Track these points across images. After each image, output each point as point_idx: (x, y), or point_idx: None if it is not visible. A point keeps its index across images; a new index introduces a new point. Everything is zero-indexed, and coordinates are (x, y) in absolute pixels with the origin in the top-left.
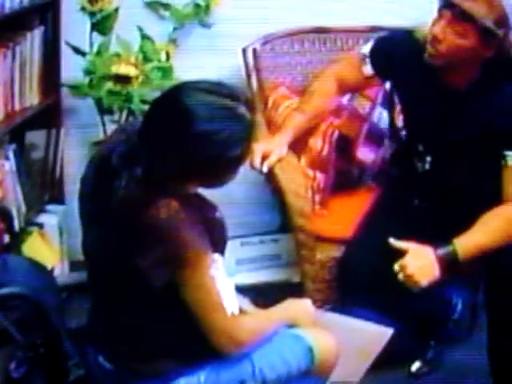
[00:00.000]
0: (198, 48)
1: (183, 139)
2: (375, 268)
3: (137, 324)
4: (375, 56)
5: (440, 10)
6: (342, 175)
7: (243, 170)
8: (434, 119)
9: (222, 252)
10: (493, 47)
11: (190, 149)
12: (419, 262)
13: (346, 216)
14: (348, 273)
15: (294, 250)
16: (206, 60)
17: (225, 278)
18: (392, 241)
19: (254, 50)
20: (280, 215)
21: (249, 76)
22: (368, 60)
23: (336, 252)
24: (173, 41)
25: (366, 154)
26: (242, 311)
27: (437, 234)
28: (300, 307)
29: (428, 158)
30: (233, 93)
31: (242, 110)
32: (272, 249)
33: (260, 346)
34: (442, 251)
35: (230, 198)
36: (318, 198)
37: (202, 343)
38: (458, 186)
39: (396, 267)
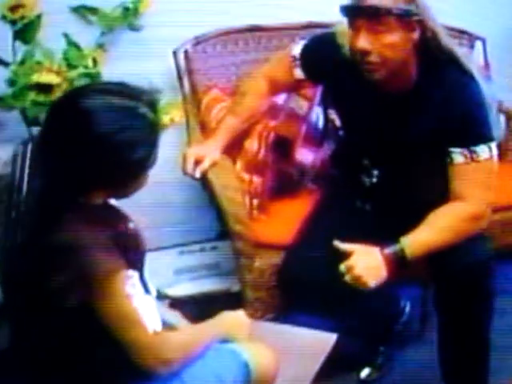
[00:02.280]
0: (128, 53)
1: (81, 143)
2: (318, 272)
3: (58, 347)
4: (305, 59)
5: (351, 23)
6: (281, 178)
7: (180, 174)
8: (377, 131)
9: (140, 265)
10: (415, 26)
11: (90, 153)
12: (366, 262)
13: (286, 220)
14: (289, 279)
15: (232, 256)
16: (137, 64)
17: (142, 294)
18: (337, 243)
19: (186, 52)
20: (219, 222)
21: (181, 79)
22: (298, 63)
23: (276, 258)
24: (100, 46)
25: (305, 155)
26: (171, 327)
27: (383, 236)
28: (234, 320)
29: (375, 172)
30: (134, 93)
31: (144, 109)
32: (212, 257)
33: (191, 364)
34: (388, 250)
35: (168, 204)
36: (255, 202)
37: (128, 364)
38: (407, 190)
39: (342, 268)
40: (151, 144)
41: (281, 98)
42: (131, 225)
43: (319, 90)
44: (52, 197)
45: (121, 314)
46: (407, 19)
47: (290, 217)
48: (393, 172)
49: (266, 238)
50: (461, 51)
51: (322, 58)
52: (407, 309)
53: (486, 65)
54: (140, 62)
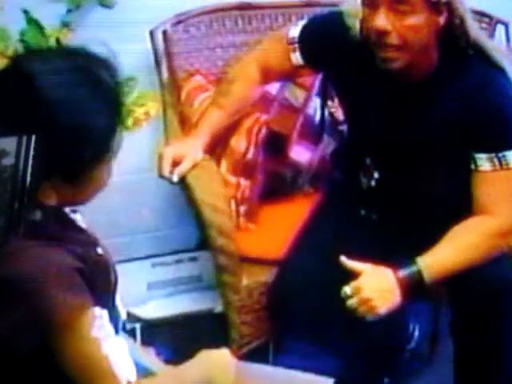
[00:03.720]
0: (98, 32)
1: (26, 113)
2: (316, 293)
3: None
4: (305, 42)
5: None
6: (273, 180)
7: (153, 175)
8: (385, 126)
9: (109, 301)
10: (443, 10)
11: (35, 125)
12: (377, 285)
13: (278, 230)
14: (282, 300)
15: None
16: (114, 46)
17: (113, 336)
18: (344, 259)
19: (164, 32)
20: (199, 229)
21: (158, 64)
22: (297, 46)
23: (266, 276)
24: (66, 25)
25: (300, 153)
26: (146, 373)
27: (392, 252)
28: (216, 361)
29: (375, 174)
30: (88, 53)
31: (102, 73)
32: (191, 269)
33: None
34: (404, 272)
35: (141, 208)
36: (242, 209)
37: None
38: (415, 197)
39: (347, 290)
40: (111, 116)
41: (274, 87)
42: (99, 250)
43: (318, 79)
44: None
45: (88, 363)
46: (435, 0)
47: (282, 226)
48: (396, 176)
49: (254, 252)
50: (491, 43)
51: (326, 41)
52: (416, 333)
53: (509, 52)
54: (112, 44)
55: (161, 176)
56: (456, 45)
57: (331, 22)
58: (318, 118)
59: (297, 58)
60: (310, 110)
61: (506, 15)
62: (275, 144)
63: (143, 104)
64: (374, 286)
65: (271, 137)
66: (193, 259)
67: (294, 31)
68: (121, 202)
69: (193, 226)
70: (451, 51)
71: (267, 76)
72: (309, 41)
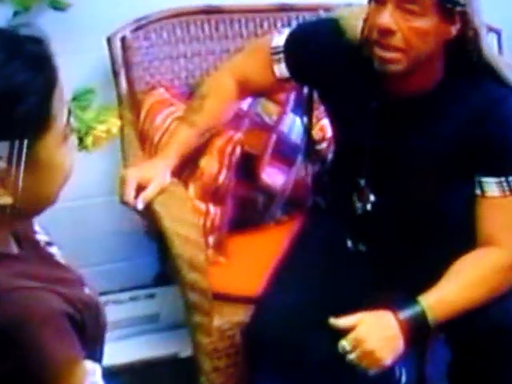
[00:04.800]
0: (50, 39)
1: None
2: (298, 336)
3: None
4: (292, 52)
5: None
6: (243, 206)
7: (103, 199)
8: (381, 144)
9: (99, 351)
10: (457, 20)
11: None
12: (379, 333)
13: (250, 263)
14: (259, 344)
15: (178, 306)
16: (61, 55)
17: None
18: (333, 321)
19: (123, 39)
20: (157, 261)
21: (116, 75)
22: (282, 56)
23: (240, 315)
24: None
25: (273, 175)
26: None
27: (386, 289)
28: None
29: (371, 197)
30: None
31: (21, 38)
32: (147, 308)
33: None
34: (405, 314)
35: (89, 236)
36: (211, 239)
37: None
38: (412, 226)
39: (346, 344)
40: (37, 74)
41: (245, 102)
42: (86, 289)
43: (293, 92)
44: None
45: None
46: (450, 7)
47: (255, 258)
48: (395, 199)
49: (226, 288)
50: (504, 61)
51: (317, 50)
52: (404, 378)
53: None
54: (65, 53)
55: (123, 202)
56: (465, 59)
57: (322, 29)
58: (292, 136)
59: (281, 69)
60: (284, 128)
61: (497, 23)
62: (245, 166)
63: (104, 120)
64: (376, 336)
65: (241, 157)
66: (150, 296)
67: (279, 39)
68: (66, 231)
69: (149, 258)
70: (458, 65)
71: (245, 90)
72: (297, 50)
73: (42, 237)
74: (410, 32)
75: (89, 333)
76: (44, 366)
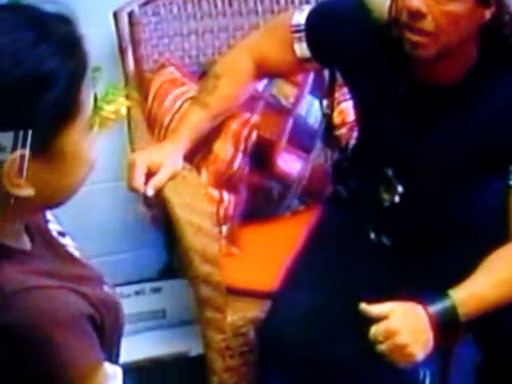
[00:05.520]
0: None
1: None
2: (318, 334)
3: None
4: (314, 30)
5: None
6: (257, 195)
7: (108, 184)
8: (410, 132)
9: (116, 353)
10: (491, 3)
11: None
12: (412, 327)
13: (265, 256)
14: (275, 342)
15: (186, 301)
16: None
17: None
18: (365, 306)
19: (130, 15)
20: (164, 253)
21: (123, 52)
22: (304, 35)
23: (255, 311)
24: None
25: (289, 162)
26: None
27: (410, 284)
28: None
29: (399, 188)
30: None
31: (47, 18)
32: (153, 303)
33: None
34: (434, 308)
35: (90, 226)
36: (225, 230)
37: None
38: (442, 220)
39: (377, 334)
40: (66, 61)
41: (260, 83)
42: (106, 288)
43: (311, 73)
44: None
45: None
46: None
47: (270, 250)
48: (424, 190)
49: (239, 282)
50: None
51: (341, 28)
52: (427, 381)
53: None
54: None
55: (131, 189)
56: (499, 45)
57: (346, 7)
58: (311, 120)
59: (302, 49)
60: (302, 111)
61: None
62: (259, 152)
63: (112, 100)
64: (409, 329)
65: (255, 143)
66: (156, 290)
67: (300, 16)
68: (66, 219)
69: (155, 249)
70: (492, 52)
71: (263, 71)
72: (319, 28)
73: (54, 226)
74: (441, 16)
75: (107, 333)
76: (64, 370)
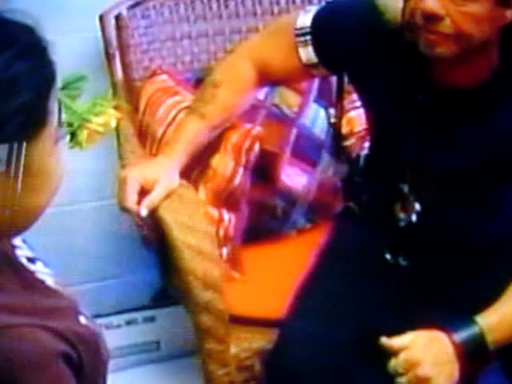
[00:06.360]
0: (36, 18)
1: None
2: (329, 366)
3: None
4: (321, 33)
5: None
6: (260, 213)
7: (95, 203)
8: (428, 143)
9: None
10: None
11: None
12: (435, 358)
13: (270, 280)
14: (284, 375)
15: (183, 331)
16: (51, 36)
17: None
18: (385, 340)
19: (118, 18)
20: (158, 277)
21: (110, 59)
22: (309, 38)
23: (260, 342)
24: None
25: (294, 177)
26: None
27: (428, 309)
28: None
29: (417, 207)
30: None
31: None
32: (146, 333)
33: None
34: (461, 336)
35: (77, 248)
36: (225, 252)
37: None
38: (464, 239)
39: (398, 365)
40: (33, 69)
41: (261, 91)
42: (82, 318)
43: (316, 81)
44: None
45: None
46: None
47: (275, 274)
48: (444, 208)
49: (242, 310)
50: None
51: (350, 31)
52: None
53: None
54: (51, 34)
55: (123, 208)
56: None
57: (356, 8)
58: (316, 130)
59: (308, 54)
60: (306, 121)
61: None
62: (261, 165)
63: (100, 112)
64: (432, 360)
65: (258, 156)
66: (148, 319)
67: (304, 19)
68: (49, 242)
69: (148, 274)
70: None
71: (265, 78)
72: (327, 31)
73: (23, 252)
74: (461, 18)
75: (87, 371)
76: None
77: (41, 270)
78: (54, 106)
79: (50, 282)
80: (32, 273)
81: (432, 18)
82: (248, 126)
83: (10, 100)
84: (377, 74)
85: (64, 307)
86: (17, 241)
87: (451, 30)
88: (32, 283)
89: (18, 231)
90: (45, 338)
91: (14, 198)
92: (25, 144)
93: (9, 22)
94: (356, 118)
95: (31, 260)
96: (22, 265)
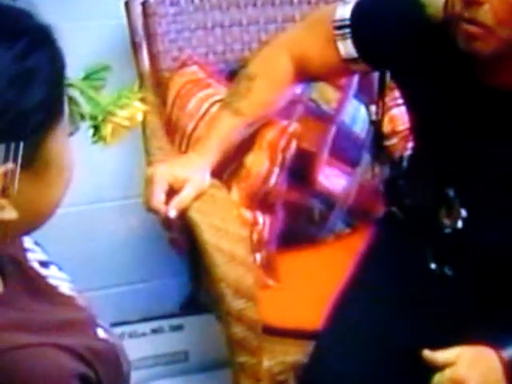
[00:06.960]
0: (57, 4)
1: None
2: (369, 380)
3: None
4: (361, 26)
5: None
6: (296, 216)
7: (119, 202)
8: (477, 144)
9: None
10: None
11: None
12: (483, 376)
13: (306, 288)
14: None
15: (213, 341)
16: (69, 23)
17: None
18: (428, 353)
19: (144, 5)
20: (187, 284)
21: (136, 48)
22: (348, 32)
23: (294, 355)
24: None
25: (333, 178)
26: None
27: (480, 323)
28: None
29: (463, 213)
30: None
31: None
32: (174, 343)
33: None
34: (510, 353)
35: (101, 253)
36: (259, 257)
37: None
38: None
39: (441, 383)
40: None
41: (298, 86)
42: (99, 331)
43: (356, 75)
44: None
45: None
46: None
47: (312, 282)
48: (492, 215)
49: (277, 320)
50: None
51: (392, 24)
52: None
53: None
54: (74, 21)
55: (150, 209)
56: None
57: (398, 0)
58: (356, 129)
59: (348, 48)
60: (346, 118)
61: None
62: (298, 166)
63: (126, 105)
64: (479, 378)
65: (294, 155)
66: (176, 328)
67: (344, 10)
68: (69, 244)
69: (176, 280)
70: None
71: (303, 73)
72: (367, 24)
73: (35, 255)
74: (501, 5)
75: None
76: None
77: (54, 275)
78: (65, 97)
79: (64, 287)
80: (44, 278)
81: (470, 4)
82: (284, 122)
83: (30, 94)
84: (421, 69)
85: (79, 320)
86: (28, 243)
87: (489, 19)
88: (43, 291)
89: (29, 230)
90: (58, 358)
91: (32, 197)
92: (45, 138)
93: (11, 7)
94: (399, 116)
95: (44, 264)
96: (33, 270)
